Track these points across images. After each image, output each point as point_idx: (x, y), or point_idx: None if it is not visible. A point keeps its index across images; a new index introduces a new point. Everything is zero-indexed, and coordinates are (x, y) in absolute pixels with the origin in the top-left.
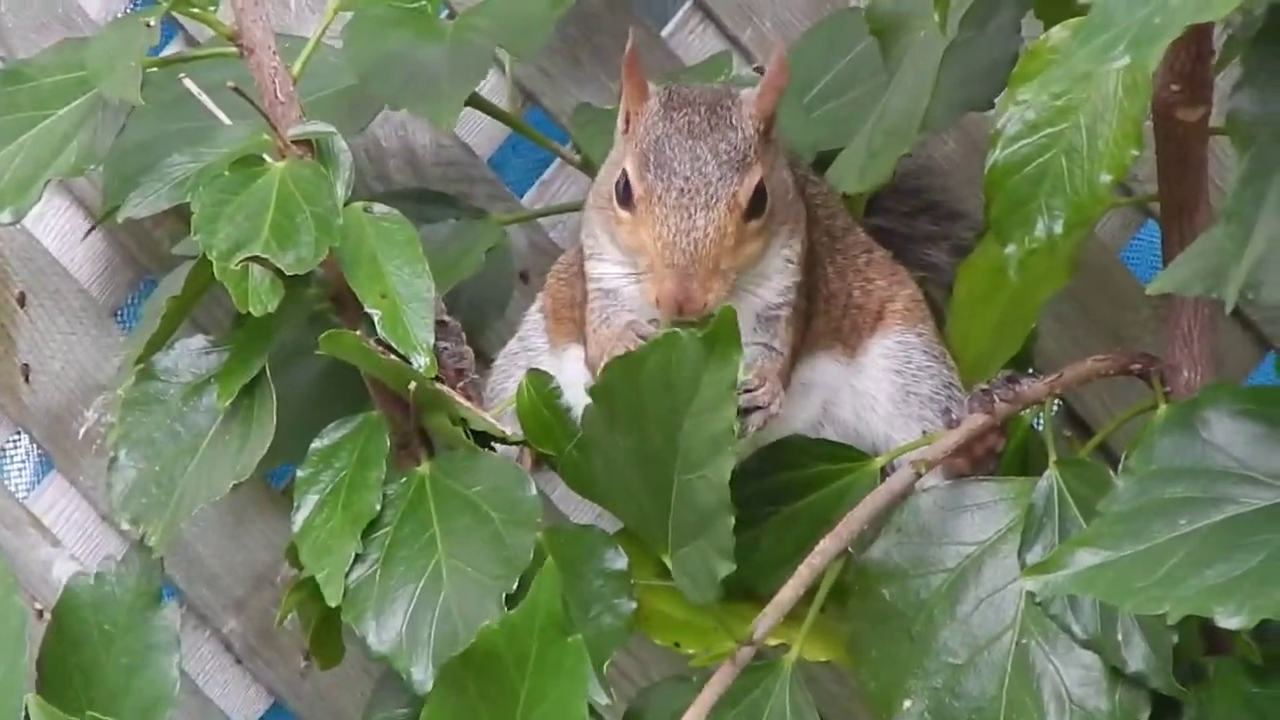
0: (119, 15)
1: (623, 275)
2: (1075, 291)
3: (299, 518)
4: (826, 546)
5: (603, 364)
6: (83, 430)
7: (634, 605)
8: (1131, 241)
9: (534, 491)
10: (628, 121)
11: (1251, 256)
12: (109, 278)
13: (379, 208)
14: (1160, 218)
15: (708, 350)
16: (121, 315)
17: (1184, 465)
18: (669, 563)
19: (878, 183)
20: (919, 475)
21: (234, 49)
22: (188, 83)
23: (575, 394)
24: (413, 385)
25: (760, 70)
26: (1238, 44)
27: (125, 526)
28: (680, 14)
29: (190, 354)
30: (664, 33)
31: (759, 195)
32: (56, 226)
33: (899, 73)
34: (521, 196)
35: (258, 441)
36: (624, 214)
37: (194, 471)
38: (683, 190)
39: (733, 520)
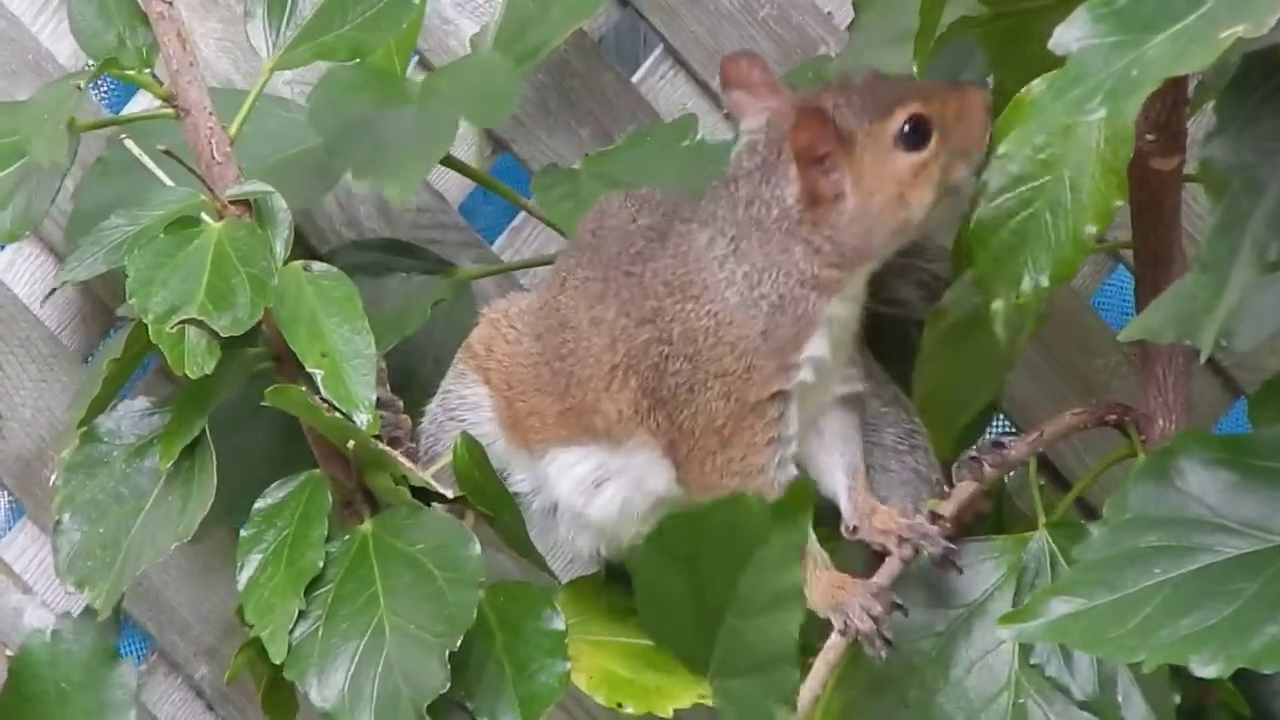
0: (89, 63)
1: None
2: (1044, 337)
3: (243, 576)
4: (838, 639)
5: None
6: (54, 477)
7: (569, 665)
8: (1102, 287)
9: (477, 550)
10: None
11: (1226, 305)
12: (79, 324)
13: (318, 266)
14: (1135, 265)
15: (777, 515)
16: (92, 362)
17: (1158, 514)
18: (709, 686)
19: None
20: (916, 552)
21: (170, 110)
22: (128, 143)
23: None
24: (351, 444)
25: (731, 117)
26: (1210, 91)
27: (70, 590)
28: (650, 60)
29: (132, 416)
30: (634, 79)
31: None
32: (26, 274)
33: None
34: (493, 242)
35: (199, 502)
36: (922, 154)
37: (138, 533)
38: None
39: (797, 674)
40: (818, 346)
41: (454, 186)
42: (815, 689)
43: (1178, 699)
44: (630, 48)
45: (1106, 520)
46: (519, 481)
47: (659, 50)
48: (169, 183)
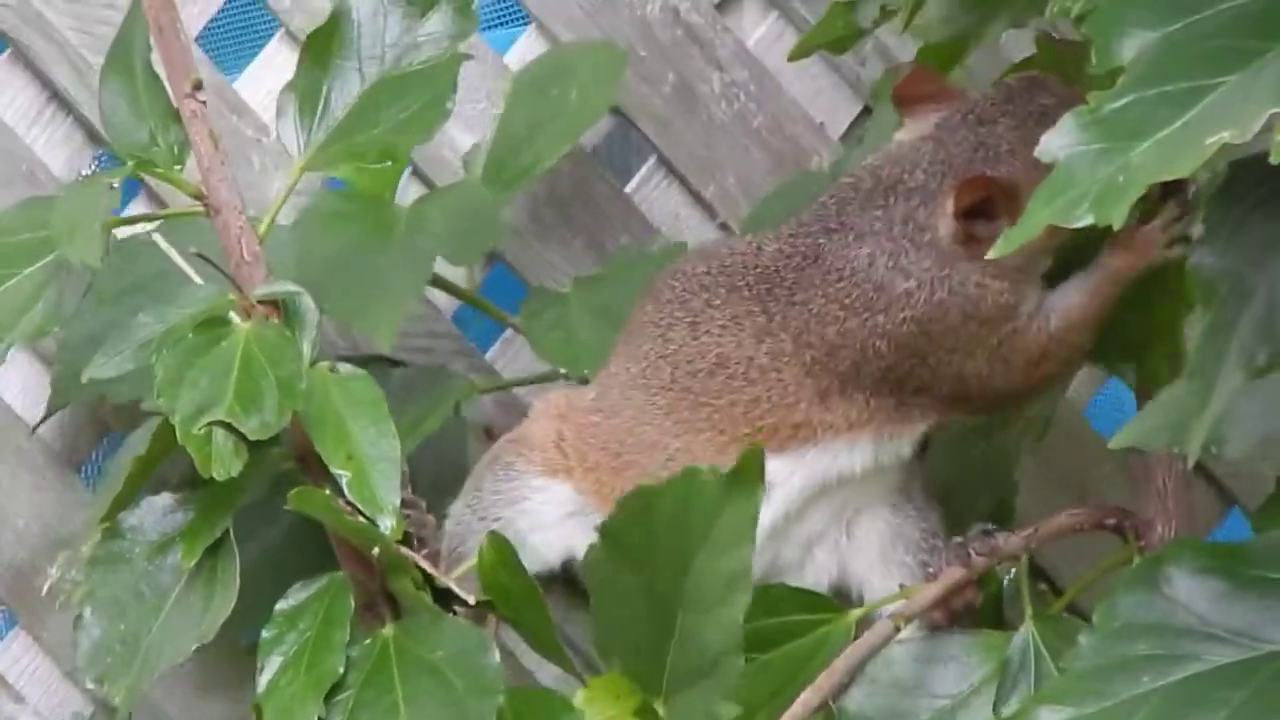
0: (82, 172)
1: None
2: (1040, 447)
3: (263, 679)
4: (807, 699)
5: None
6: (46, 586)
7: None
8: (1095, 397)
9: (496, 659)
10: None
11: (1213, 412)
12: (73, 433)
13: (344, 367)
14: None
15: (731, 486)
16: (86, 470)
17: (1147, 622)
18: (660, 709)
19: None
20: (898, 630)
21: (200, 208)
22: (157, 238)
23: None
24: (376, 550)
25: (726, 227)
26: (1200, 199)
27: (90, 686)
28: (644, 170)
29: (156, 512)
30: (627, 188)
31: None
32: (19, 381)
33: None
34: (485, 352)
35: (222, 602)
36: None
37: (159, 631)
38: None
39: (741, 662)
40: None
41: (460, 277)
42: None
43: None
44: (622, 157)
45: (1096, 628)
46: None
47: (652, 160)
48: (198, 280)
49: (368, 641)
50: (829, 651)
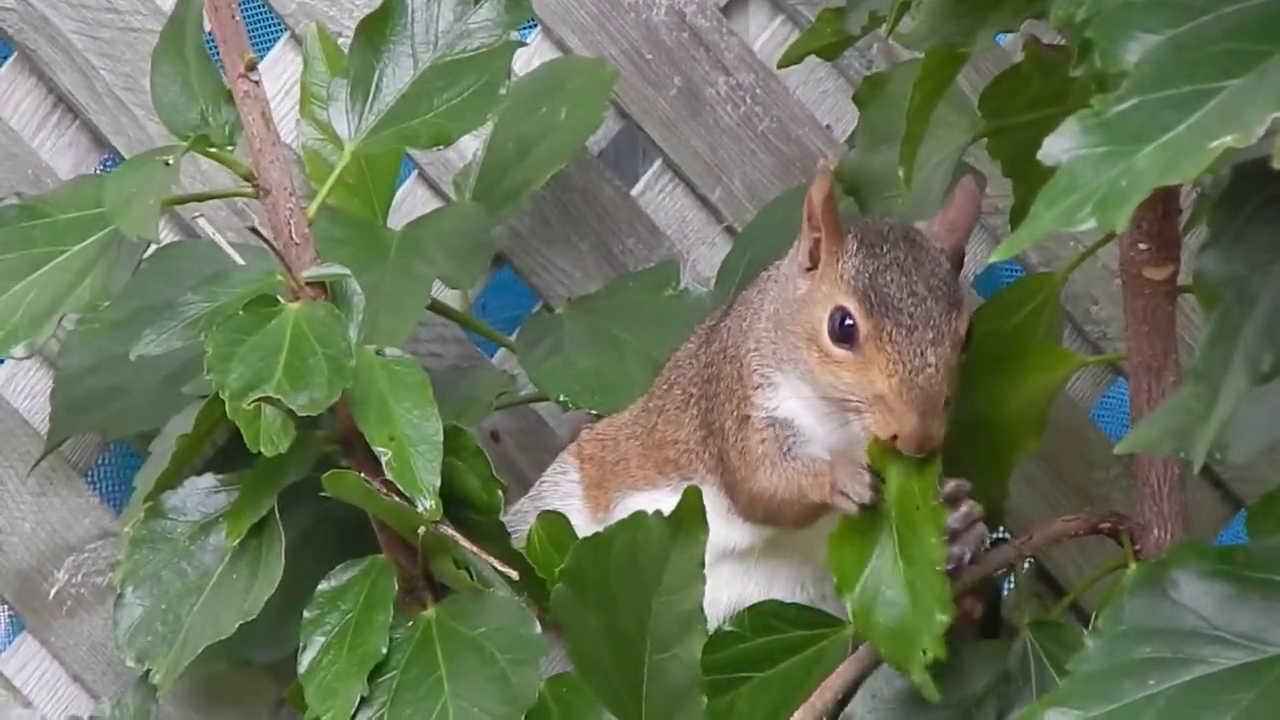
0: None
1: (816, 405)
2: (1044, 450)
3: (305, 659)
4: (801, 717)
5: (785, 499)
6: (53, 591)
7: None
8: (1102, 399)
9: (538, 630)
10: (814, 255)
11: (1219, 417)
12: (80, 439)
13: (391, 351)
14: (1129, 376)
15: (675, 530)
16: (92, 476)
17: (1153, 625)
18: None
19: None
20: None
21: (249, 189)
22: (202, 222)
23: None
24: (422, 529)
25: (731, 231)
26: (1207, 204)
27: (130, 663)
28: (650, 173)
29: (199, 493)
30: (634, 191)
31: (969, 331)
32: (25, 387)
33: None
34: (492, 356)
35: (265, 582)
36: (841, 352)
37: (200, 610)
38: (912, 328)
39: (705, 700)
40: None
41: (455, 297)
42: None
43: None
44: (629, 161)
45: (1101, 631)
46: None
47: (658, 163)
48: (241, 263)
49: (410, 624)
50: (826, 667)
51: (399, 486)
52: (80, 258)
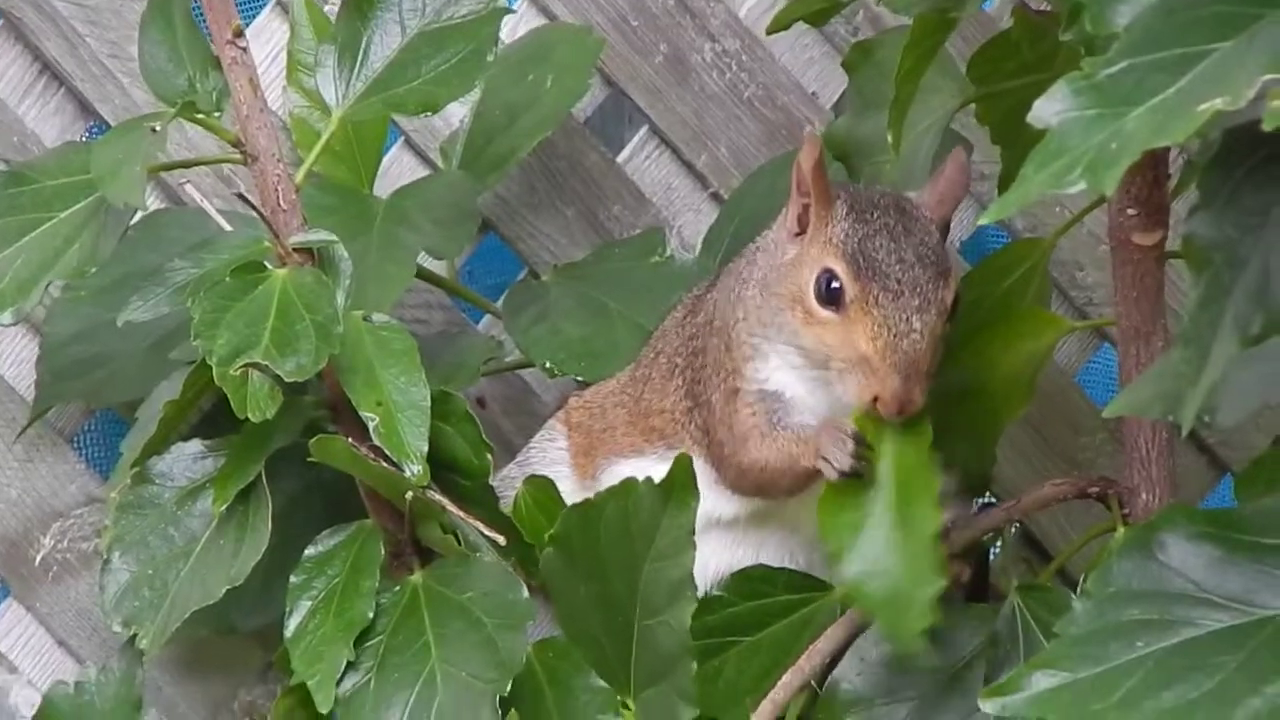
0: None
1: (807, 374)
2: (1031, 416)
3: (291, 623)
4: (789, 681)
5: (777, 468)
6: (39, 557)
7: None
8: (1087, 365)
9: (525, 594)
10: (803, 221)
11: (1208, 381)
12: (66, 405)
13: (378, 316)
14: (1117, 341)
15: (665, 497)
16: (78, 442)
17: (1141, 588)
18: (632, 705)
19: None
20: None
21: (238, 156)
22: (189, 189)
23: None
24: (409, 494)
25: (717, 197)
26: (1196, 168)
27: (117, 629)
28: (636, 139)
29: (186, 459)
30: (619, 158)
31: (955, 299)
32: (11, 353)
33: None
34: (478, 323)
35: (252, 547)
36: (826, 314)
37: (187, 575)
38: (899, 293)
39: (694, 665)
40: None
41: (441, 263)
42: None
43: None
44: (615, 128)
45: (1090, 593)
46: None
47: (644, 130)
48: (228, 229)
49: (397, 588)
50: (814, 630)
51: (386, 452)
52: (67, 224)
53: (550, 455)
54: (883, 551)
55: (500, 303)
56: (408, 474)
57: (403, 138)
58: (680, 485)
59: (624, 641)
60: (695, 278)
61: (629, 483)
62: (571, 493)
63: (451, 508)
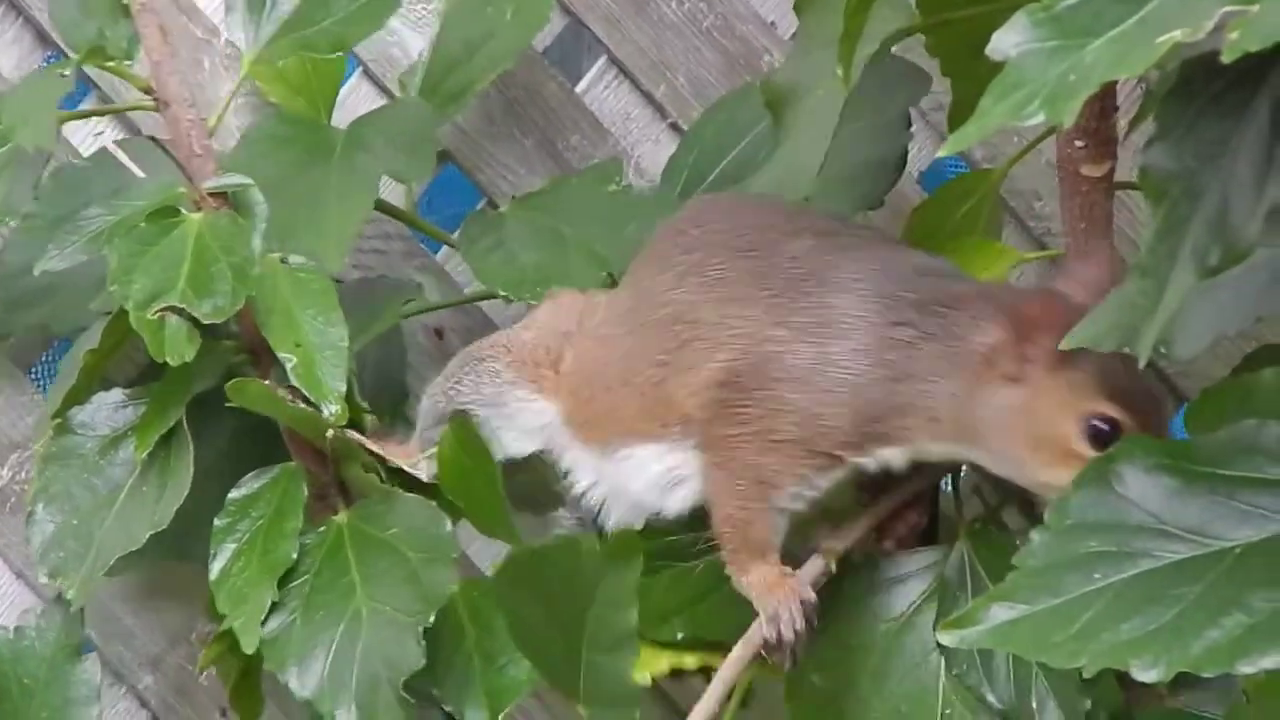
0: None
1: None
2: None
3: (216, 566)
4: (738, 655)
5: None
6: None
7: None
8: None
9: (449, 528)
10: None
11: (1166, 312)
12: (22, 336)
13: (295, 258)
14: None
15: (610, 558)
16: (35, 373)
17: (1099, 520)
18: (583, 712)
19: None
20: (830, 569)
21: (150, 103)
22: (108, 143)
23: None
24: (330, 434)
25: (676, 128)
26: (1154, 100)
27: (44, 580)
28: (594, 70)
29: (107, 408)
30: (578, 89)
31: None
32: None
33: (785, 142)
34: (436, 253)
35: (174, 492)
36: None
37: (111, 524)
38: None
39: (637, 713)
40: None
41: (399, 195)
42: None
43: (1088, 705)
44: (573, 58)
45: (1048, 526)
46: (580, 478)
47: (602, 60)
48: (141, 175)
49: (322, 529)
50: None
51: (305, 393)
52: None
53: (529, 414)
54: None
55: (457, 234)
56: (326, 414)
57: (361, 69)
58: (625, 550)
59: (573, 667)
60: (652, 206)
61: (572, 540)
62: (564, 456)
63: (369, 444)
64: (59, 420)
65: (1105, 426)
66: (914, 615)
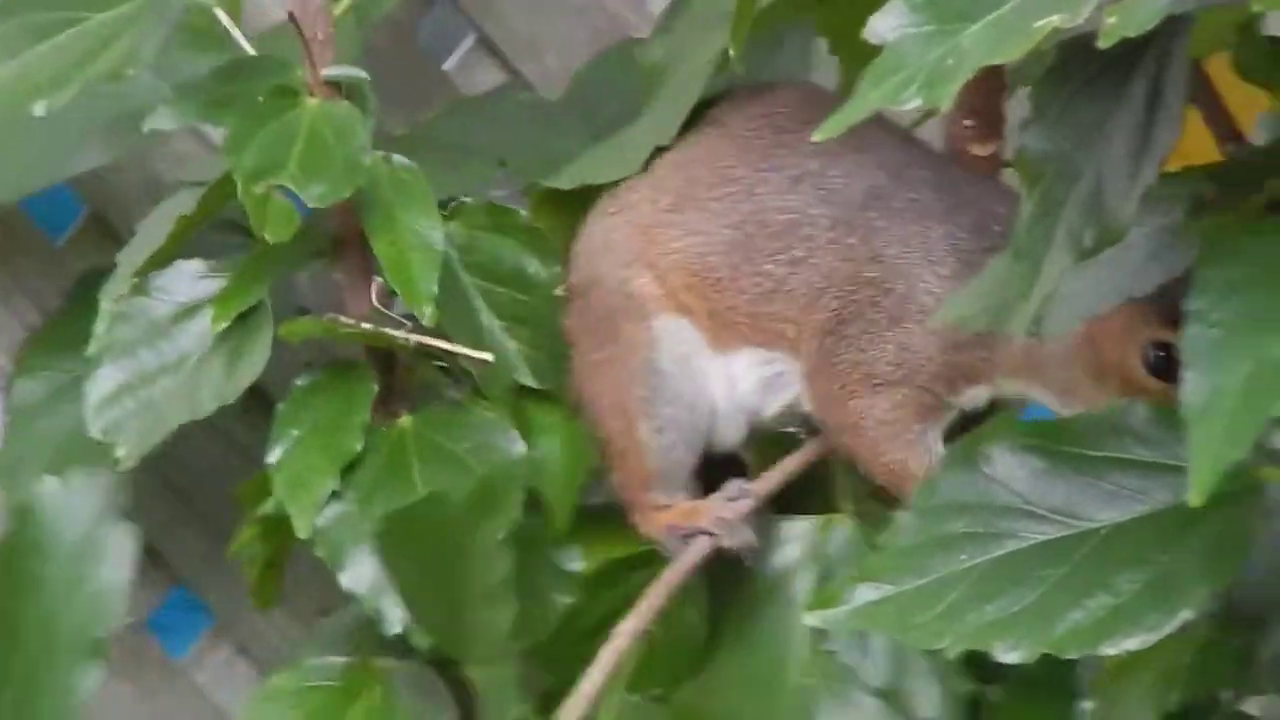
0: None
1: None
2: None
3: (276, 450)
4: (628, 627)
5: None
6: None
7: (570, 602)
8: None
9: (522, 448)
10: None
11: (1040, 294)
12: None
13: (397, 158)
14: None
15: (476, 513)
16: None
17: (966, 500)
18: (472, 674)
19: None
20: (719, 544)
21: None
22: (219, 13)
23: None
24: (412, 340)
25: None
26: (1023, 76)
27: (96, 436)
28: (463, 49)
29: (186, 276)
30: (446, 67)
31: None
32: None
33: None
34: None
35: (248, 369)
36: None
37: (175, 390)
38: None
39: (512, 670)
40: None
41: None
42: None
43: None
44: (442, 36)
45: (915, 506)
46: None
47: (471, 39)
48: (252, 53)
49: (386, 430)
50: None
51: (397, 290)
52: (106, 26)
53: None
54: None
55: None
56: (420, 316)
57: None
58: (490, 503)
59: (459, 628)
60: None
61: (439, 495)
62: (698, 350)
63: (444, 345)
64: (136, 281)
65: (1164, 354)
66: (782, 582)
